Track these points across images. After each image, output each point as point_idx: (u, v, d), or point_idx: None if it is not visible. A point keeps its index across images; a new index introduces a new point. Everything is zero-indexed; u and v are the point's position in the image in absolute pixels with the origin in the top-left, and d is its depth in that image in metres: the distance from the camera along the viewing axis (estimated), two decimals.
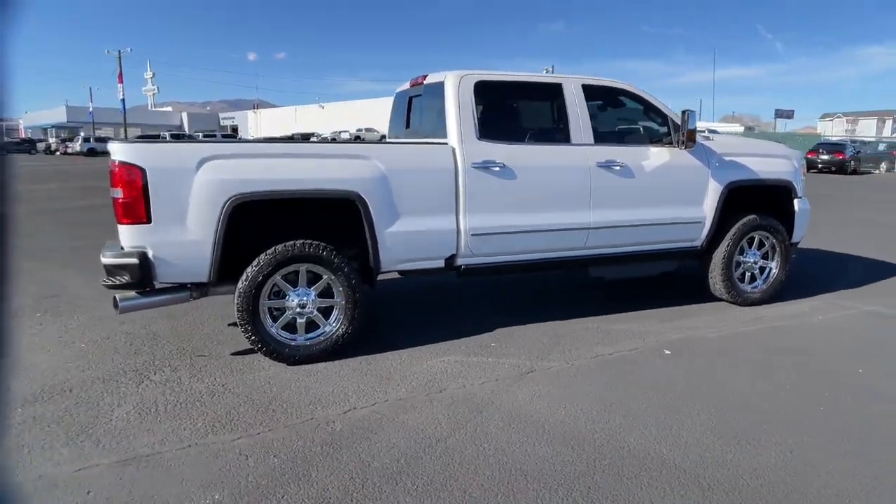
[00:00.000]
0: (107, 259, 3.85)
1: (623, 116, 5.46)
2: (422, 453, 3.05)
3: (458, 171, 4.46)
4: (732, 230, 5.42)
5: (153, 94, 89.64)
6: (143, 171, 3.76)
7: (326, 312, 4.32)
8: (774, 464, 2.96)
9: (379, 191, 4.24)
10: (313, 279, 4.26)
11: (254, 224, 4.16)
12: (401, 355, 4.41)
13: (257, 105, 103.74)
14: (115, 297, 3.99)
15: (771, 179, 5.58)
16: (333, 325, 4.29)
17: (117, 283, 3.88)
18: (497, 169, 4.55)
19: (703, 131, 5.41)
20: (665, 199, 5.17)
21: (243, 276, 4.04)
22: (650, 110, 5.27)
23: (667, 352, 4.47)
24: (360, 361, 4.29)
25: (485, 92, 4.66)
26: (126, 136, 53.77)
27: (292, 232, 4.22)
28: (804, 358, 4.39)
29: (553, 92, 4.91)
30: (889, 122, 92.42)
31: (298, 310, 4.21)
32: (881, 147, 33.42)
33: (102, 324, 5.13)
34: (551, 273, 6.53)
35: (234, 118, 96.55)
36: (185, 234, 3.89)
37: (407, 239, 4.37)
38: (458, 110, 4.54)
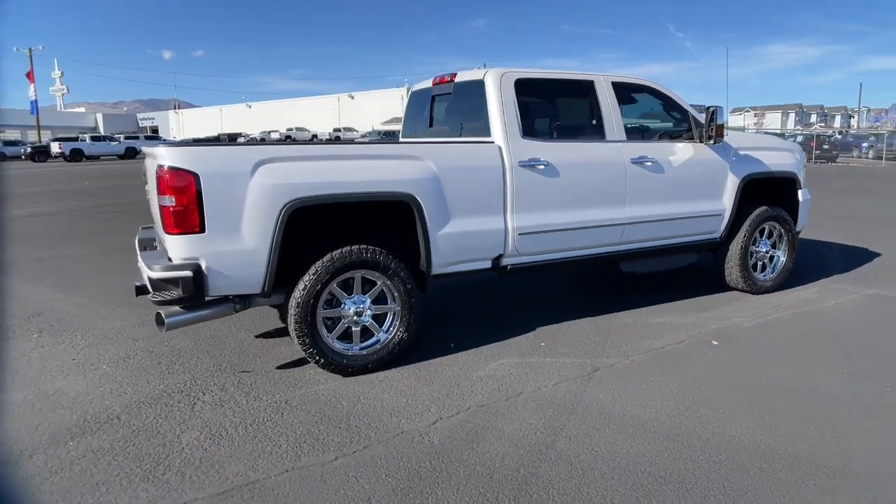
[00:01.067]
0: (156, 273, 3.53)
1: (647, 112, 5.52)
2: (538, 461, 2.95)
3: (506, 170, 4.38)
4: (747, 221, 5.59)
5: (62, 95, 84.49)
6: (196, 176, 3.47)
7: (379, 320, 4.14)
8: (880, 448, 3.05)
9: (432, 192, 4.10)
10: (362, 285, 4.07)
11: (296, 230, 3.91)
12: (455, 360, 4.29)
13: (178, 105, 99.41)
14: (158, 314, 3.67)
15: (780, 171, 5.79)
16: (390, 333, 4.11)
17: (167, 298, 3.57)
18: (542, 167, 4.49)
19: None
20: (691, 192, 5.27)
21: (300, 286, 3.80)
22: (672, 107, 5.35)
23: (714, 342, 4.55)
24: (417, 368, 4.14)
25: (524, 89, 4.59)
26: (39, 140, 50.33)
27: (339, 236, 4.02)
28: (842, 343, 4.56)
29: (586, 89, 4.90)
30: (792, 115, 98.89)
31: (355, 318, 4.02)
32: (799, 139, 35.58)
33: (114, 342, 4.74)
34: (568, 270, 6.53)
35: (153, 119, 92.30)
36: (240, 243, 3.62)
37: (457, 240, 4.25)
38: (501, 108, 4.45)
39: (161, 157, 3.50)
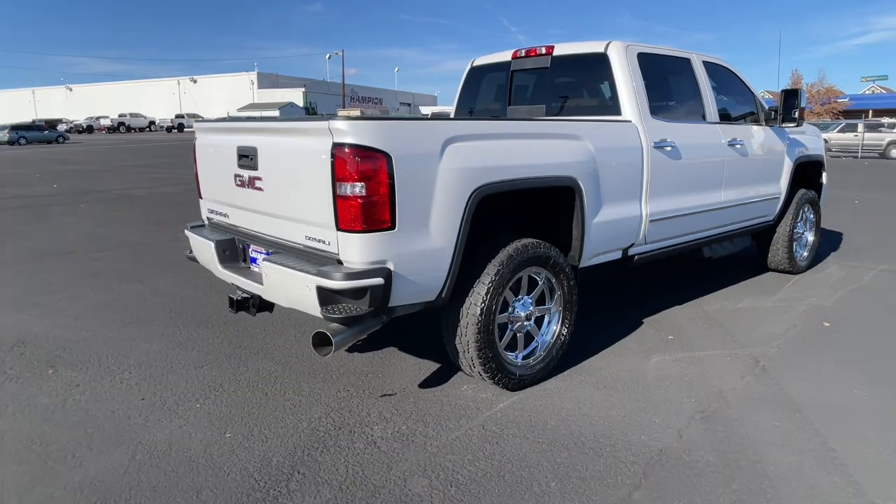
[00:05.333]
0: (337, 282, 2.74)
1: (720, 94, 5.42)
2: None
3: (644, 151, 4.04)
4: (793, 204, 5.73)
5: None
6: (388, 158, 2.74)
7: (536, 322, 3.64)
8: None
9: (590, 175, 3.66)
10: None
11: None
12: (603, 360, 3.90)
13: None
14: (321, 334, 2.88)
15: (815, 154, 6.02)
16: (550, 336, 3.63)
17: (351, 314, 2.80)
18: (668, 149, 4.21)
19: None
20: (763, 175, 5.29)
21: (480, 289, 3.19)
22: (741, 88, 5.31)
23: (826, 324, 4.58)
24: (577, 373, 3.71)
25: (644, 65, 4.26)
26: None
27: (499, 228, 3.49)
28: None
29: (686, 67, 4.69)
30: None
31: (525, 323, 3.48)
32: None
33: (172, 371, 3.77)
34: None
35: None
36: (427, 240, 2.94)
37: (605, 229, 3.85)
38: (632, 84, 4.09)
39: (337, 132, 2.72)
